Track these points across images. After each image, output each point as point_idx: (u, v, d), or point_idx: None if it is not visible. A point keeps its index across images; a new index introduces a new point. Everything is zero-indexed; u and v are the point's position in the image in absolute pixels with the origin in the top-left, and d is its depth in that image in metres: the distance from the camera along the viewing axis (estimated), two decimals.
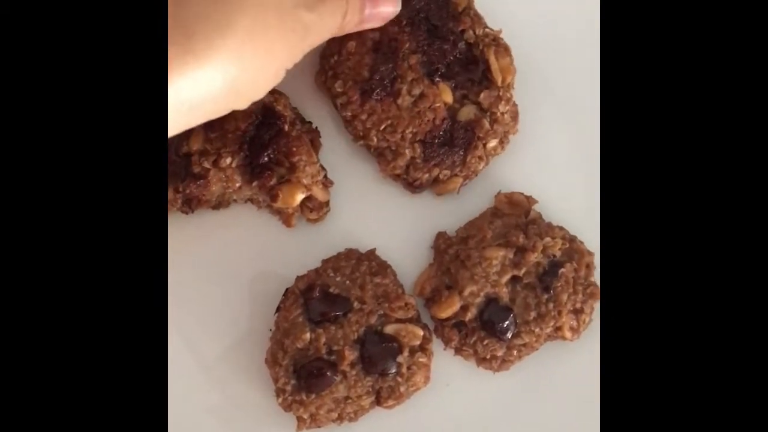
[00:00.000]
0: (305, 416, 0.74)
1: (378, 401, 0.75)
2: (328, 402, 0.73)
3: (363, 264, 0.77)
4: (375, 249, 0.79)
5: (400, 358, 0.74)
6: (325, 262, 0.78)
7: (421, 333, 0.75)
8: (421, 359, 0.75)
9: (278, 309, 0.76)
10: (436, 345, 0.77)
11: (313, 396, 0.73)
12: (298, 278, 0.77)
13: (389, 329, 0.74)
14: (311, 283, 0.76)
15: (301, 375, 0.73)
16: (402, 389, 0.74)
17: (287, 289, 0.77)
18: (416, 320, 0.76)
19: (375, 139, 0.79)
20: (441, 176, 0.80)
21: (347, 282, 0.76)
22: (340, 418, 0.75)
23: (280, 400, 0.74)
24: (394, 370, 0.74)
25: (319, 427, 0.75)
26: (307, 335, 0.74)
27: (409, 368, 0.74)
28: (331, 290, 0.75)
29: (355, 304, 0.75)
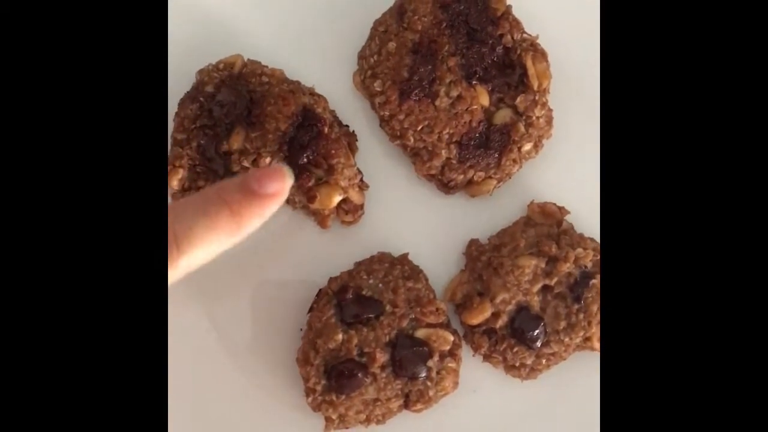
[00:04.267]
0: (334, 417, 0.74)
1: (406, 404, 0.75)
2: (357, 403, 0.74)
3: (396, 268, 0.77)
4: (408, 253, 0.79)
5: (429, 363, 0.74)
6: (358, 264, 0.79)
7: (452, 338, 0.75)
8: (450, 364, 0.75)
9: (311, 309, 0.77)
10: (465, 351, 0.78)
11: (343, 397, 0.73)
12: (331, 279, 0.77)
13: (420, 333, 0.75)
14: (344, 284, 0.76)
15: (332, 375, 0.73)
16: (431, 393, 0.75)
17: (320, 290, 0.77)
18: (447, 325, 0.77)
19: (412, 139, 0.79)
20: (475, 178, 0.80)
21: (380, 285, 0.76)
22: (368, 420, 0.75)
23: (310, 399, 0.74)
24: (424, 374, 0.74)
25: (346, 428, 0.76)
26: (340, 336, 0.74)
27: (438, 373, 0.75)
28: (363, 293, 0.76)
29: (387, 307, 0.75)
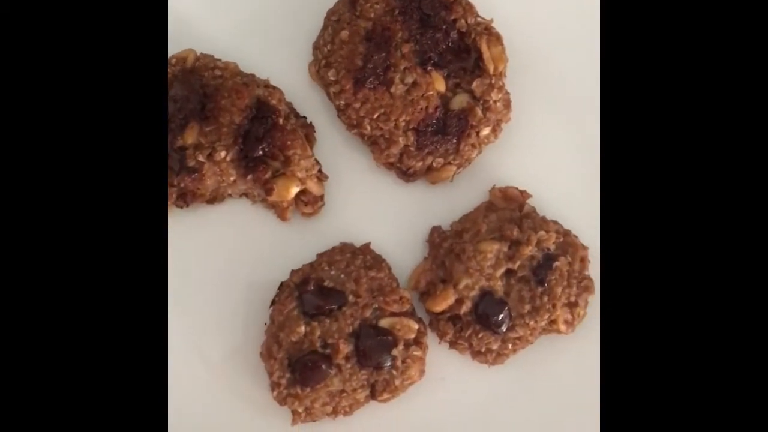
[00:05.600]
0: (300, 410, 0.74)
1: (373, 395, 0.75)
2: (322, 395, 0.73)
3: (358, 258, 0.77)
4: (370, 243, 0.79)
5: (394, 352, 0.74)
6: (320, 255, 0.78)
7: (416, 326, 0.75)
8: (415, 353, 0.75)
9: (273, 302, 0.76)
10: (431, 339, 0.77)
11: (308, 389, 0.73)
12: (293, 272, 0.77)
13: (384, 323, 0.74)
14: (306, 276, 0.76)
15: (296, 368, 0.73)
16: (397, 383, 0.74)
17: (282, 283, 0.77)
18: (411, 314, 0.76)
19: (368, 128, 0.79)
20: (434, 164, 0.80)
21: (342, 276, 0.76)
22: (334, 412, 0.75)
23: (275, 393, 0.74)
24: (388, 364, 0.74)
25: (313, 420, 0.75)
26: (302, 328, 0.74)
27: (403, 361, 0.74)
28: (325, 284, 0.75)
29: (350, 298, 0.75)
